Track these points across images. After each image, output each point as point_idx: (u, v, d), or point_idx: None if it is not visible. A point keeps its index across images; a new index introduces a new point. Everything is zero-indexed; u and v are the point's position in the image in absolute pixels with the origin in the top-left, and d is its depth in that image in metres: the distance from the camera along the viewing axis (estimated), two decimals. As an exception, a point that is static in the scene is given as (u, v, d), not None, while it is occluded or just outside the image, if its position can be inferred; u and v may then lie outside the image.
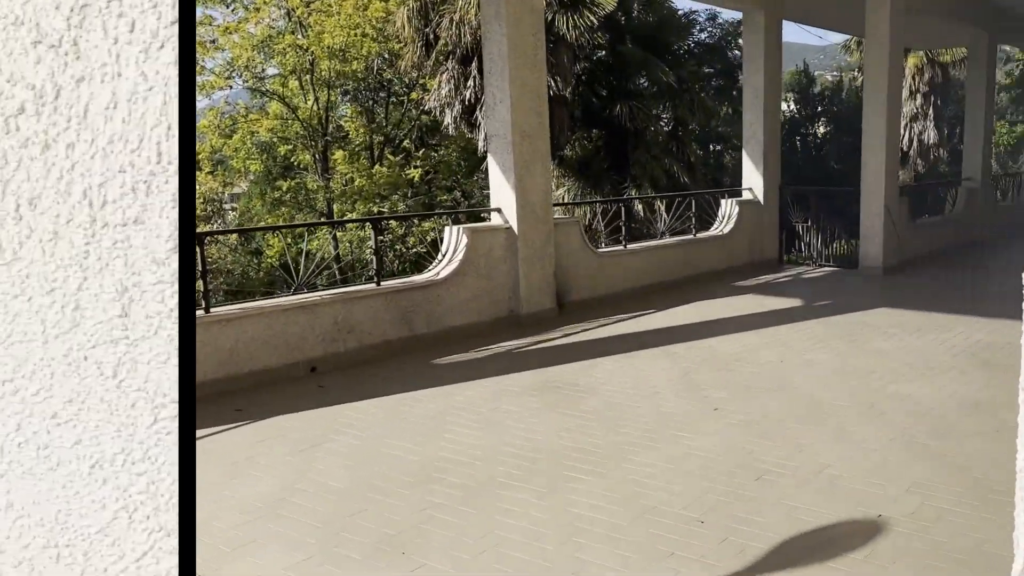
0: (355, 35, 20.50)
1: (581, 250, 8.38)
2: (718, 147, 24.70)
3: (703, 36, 21.66)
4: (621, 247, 9.15)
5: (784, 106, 30.62)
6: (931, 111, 20.76)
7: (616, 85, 19.00)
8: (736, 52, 25.98)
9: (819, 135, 28.33)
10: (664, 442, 4.54)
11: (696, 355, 6.40)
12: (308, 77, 21.26)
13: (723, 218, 10.68)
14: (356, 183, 19.89)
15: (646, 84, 19.91)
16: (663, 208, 10.43)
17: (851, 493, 3.81)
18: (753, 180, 10.86)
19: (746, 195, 10.90)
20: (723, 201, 10.75)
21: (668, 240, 9.79)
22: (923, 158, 21.46)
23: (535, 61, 7.38)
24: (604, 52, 19.33)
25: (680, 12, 20.52)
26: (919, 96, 20.76)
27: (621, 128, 18.53)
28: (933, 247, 11.30)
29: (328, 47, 20.42)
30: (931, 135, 20.88)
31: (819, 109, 28.18)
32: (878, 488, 3.86)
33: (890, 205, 9.91)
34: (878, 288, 9.31)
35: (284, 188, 20.53)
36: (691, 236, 10.03)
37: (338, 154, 20.62)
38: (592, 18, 17.41)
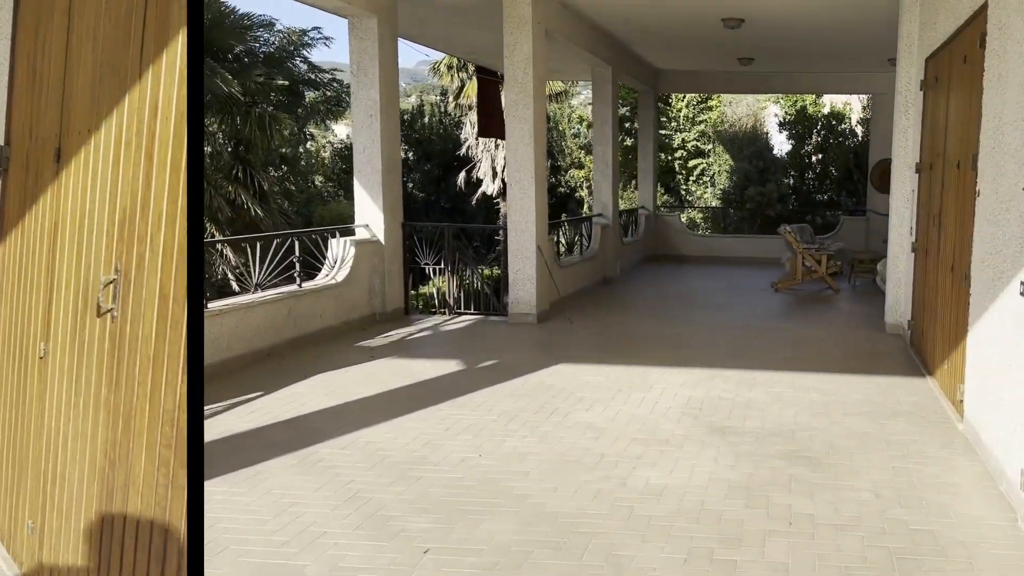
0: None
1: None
2: (281, 171, 23.63)
3: (257, 45, 20.58)
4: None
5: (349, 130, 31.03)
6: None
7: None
8: (301, 64, 25.24)
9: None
10: (373, 633, 3.16)
11: (355, 459, 5.10)
12: None
13: (335, 262, 9.58)
14: None
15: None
16: (225, 249, 8.93)
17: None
18: (370, 215, 9.99)
19: (362, 233, 9.98)
20: (333, 241, 9.65)
21: (264, 295, 8.32)
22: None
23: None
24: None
25: (233, 14, 19.22)
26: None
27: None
28: (574, 288, 11.61)
29: None
30: (530, 167, 22.64)
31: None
32: (721, 653, 2.99)
33: (542, 245, 9.80)
34: (540, 340, 9.02)
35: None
36: (295, 287, 8.73)
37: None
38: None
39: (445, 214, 26.56)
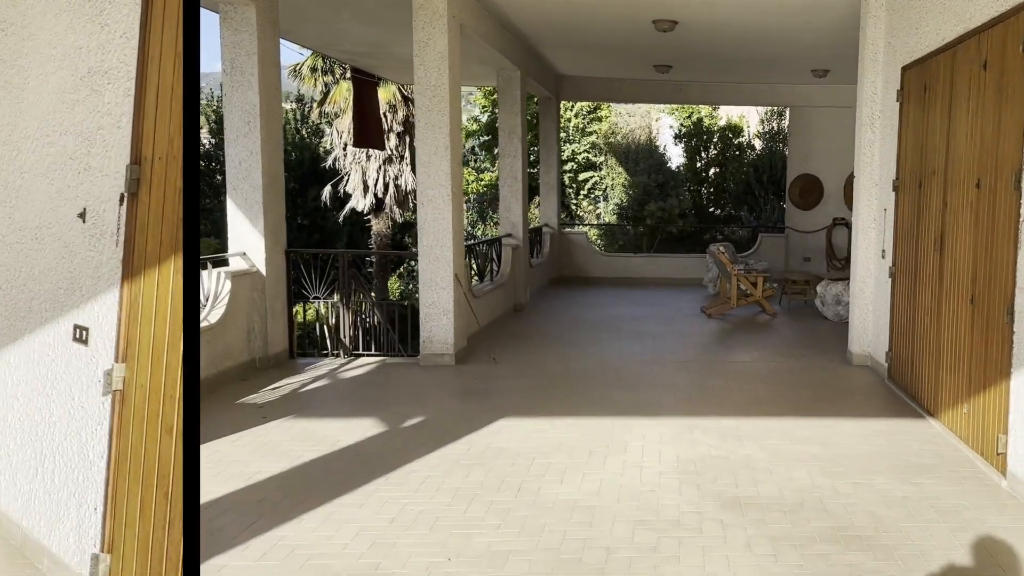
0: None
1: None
2: None
3: None
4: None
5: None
6: (407, 153, 21.53)
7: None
8: None
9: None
10: None
11: (283, 572, 4.08)
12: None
13: (206, 300, 8.41)
14: None
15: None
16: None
17: None
18: (247, 241, 8.87)
19: (238, 263, 8.85)
20: (204, 274, 8.47)
21: None
22: (401, 206, 22.10)
23: None
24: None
25: None
26: (393, 136, 21.32)
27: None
28: (488, 320, 10.75)
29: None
30: (408, 180, 21.63)
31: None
32: None
33: (459, 273, 8.91)
34: (466, 387, 8.10)
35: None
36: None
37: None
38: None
39: (302, 232, 25.20)
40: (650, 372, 8.62)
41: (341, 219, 23.63)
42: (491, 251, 11.91)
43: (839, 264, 16.01)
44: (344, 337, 9.52)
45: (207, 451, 5.97)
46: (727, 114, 26.22)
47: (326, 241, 23.82)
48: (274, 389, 7.92)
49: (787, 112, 23.80)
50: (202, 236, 22.19)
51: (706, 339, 10.56)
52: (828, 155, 16.49)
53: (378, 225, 22.84)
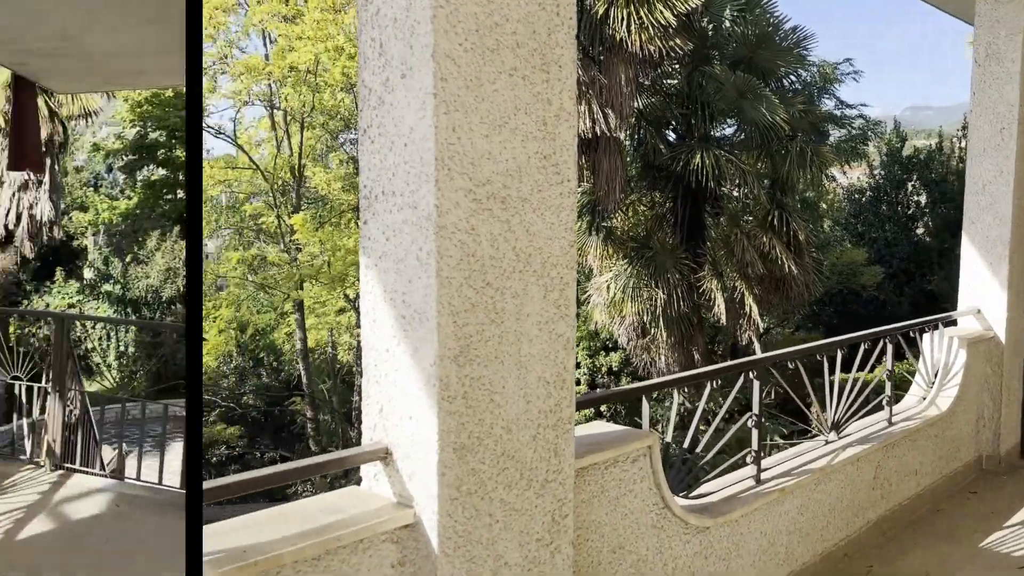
0: (327, 50, 17.11)
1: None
2: (805, 217, 19.31)
3: (798, 75, 16.35)
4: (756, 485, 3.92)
5: (855, 172, 26.21)
6: None
7: (695, 125, 13.83)
8: (827, 100, 20.22)
9: (910, 205, 23.92)
10: None
11: None
12: (273, 111, 19.06)
13: (933, 373, 5.58)
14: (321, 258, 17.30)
15: (736, 126, 14.64)
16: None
17: None
18: (983, 294, 6.01)
19: (968, 324, 6.02)
20: (931, 338, 5.60)
21: (838, 446, 4.46)
22: None
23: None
24: (678, 76, 14.24)
25: (787, 25, 14.95)
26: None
27: (697, 188, 13.63)
28: None
29: (294, 67, 17.23)
30: None
31: (911, 176, 23.83)
32: None
33: None
34: None
35: (234, 260, 18.26)
36: (883, 425, 4.89)
37: (297, 218, 17.83)
38: (668, 16, 12.22)
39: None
40: None
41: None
42: None
43: None
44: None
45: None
46: None
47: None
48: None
49: None
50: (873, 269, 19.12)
51: None
52: None
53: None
